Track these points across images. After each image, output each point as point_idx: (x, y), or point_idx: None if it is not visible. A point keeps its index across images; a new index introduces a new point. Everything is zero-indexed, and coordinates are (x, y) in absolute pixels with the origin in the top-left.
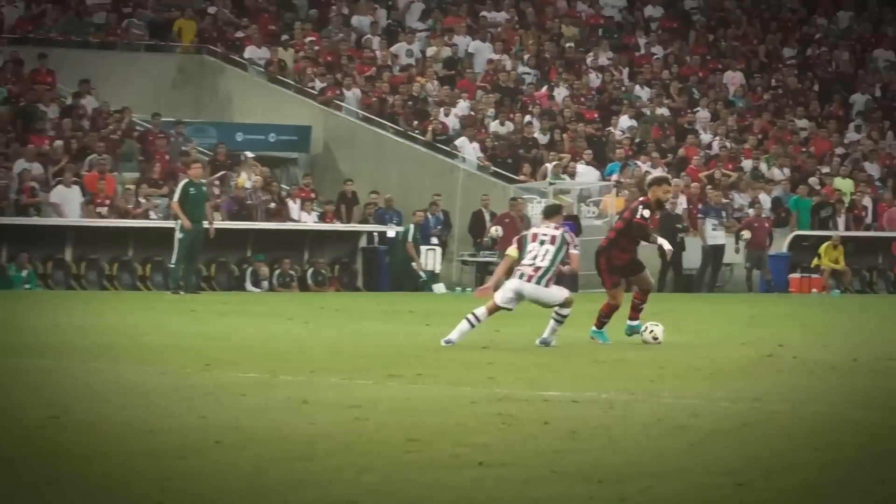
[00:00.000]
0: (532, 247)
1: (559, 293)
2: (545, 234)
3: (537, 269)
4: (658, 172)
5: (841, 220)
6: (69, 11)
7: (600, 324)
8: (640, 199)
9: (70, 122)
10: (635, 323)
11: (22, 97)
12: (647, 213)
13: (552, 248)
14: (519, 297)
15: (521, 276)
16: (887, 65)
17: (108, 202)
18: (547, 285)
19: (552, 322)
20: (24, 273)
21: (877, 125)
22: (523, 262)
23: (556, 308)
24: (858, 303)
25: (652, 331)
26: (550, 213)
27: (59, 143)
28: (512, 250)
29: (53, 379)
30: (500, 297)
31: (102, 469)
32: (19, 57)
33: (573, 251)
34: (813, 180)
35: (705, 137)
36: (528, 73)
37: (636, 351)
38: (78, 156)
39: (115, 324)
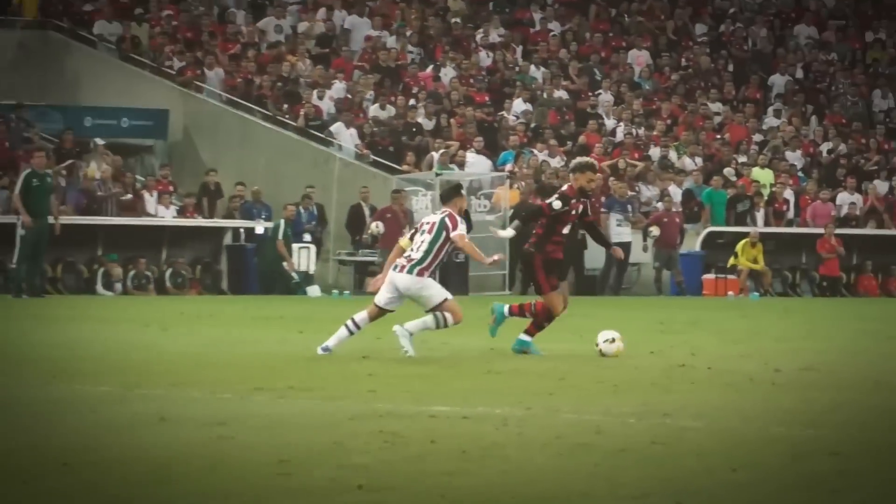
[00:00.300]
0: (416, 238)
1: (438, 295)
2: (427, 222)
3: (410, 259)
4: (583, 158)
5: (760, 215)
6: None
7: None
8: (563, 187)
9: None
10: (528, 339)
11: None
12: (558, 203)
13: (428, 238)
14: (398, 294)
15: (394, 268)
16: (809, 42)
17: None
18: (420, 275)
19: (428, 319)
20: None
21: (798, 109)
22: (405, 253)
23: (436, 311)
24: (780, 307)
25: (612, 339)
26: (447, 196)
27: None
28: (403, 240)
29: None
30: (379, 297)
31: None
32: None
33: (455, 233)
34: (728, 170)
35: (608, 123)
36: (411, 52)
37: (533, 361)
38: None
39: None
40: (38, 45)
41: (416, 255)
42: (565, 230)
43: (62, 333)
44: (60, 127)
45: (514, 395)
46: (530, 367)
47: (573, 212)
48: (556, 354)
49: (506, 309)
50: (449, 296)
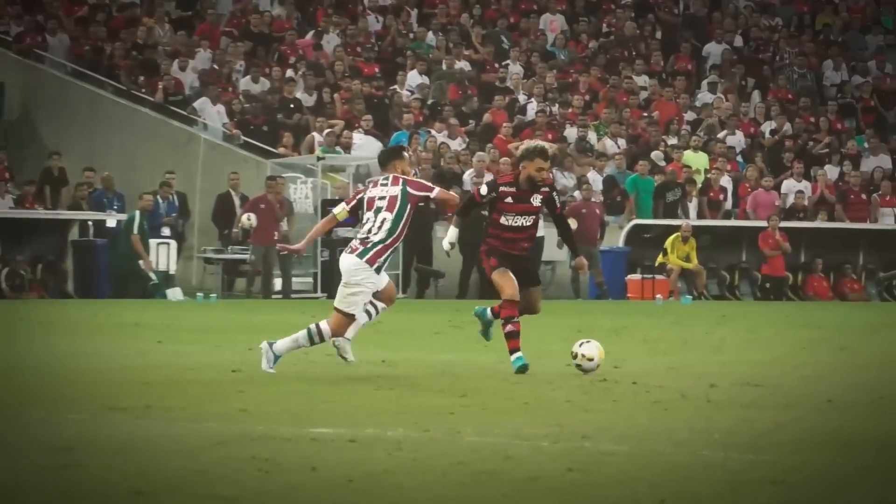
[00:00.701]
0: (367, 216)
1: (355, 303)
2: (381, 198)
3: (366, 241)
4: (533, 143)
5: (692, 206)
6: None
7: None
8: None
9: None
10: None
11: None
12: (484, 189)
13: (390, 216)
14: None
15: (347, 249)
16: (750, 5)
17: None
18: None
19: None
20: None
21: (737, 83)
22: (358, 232)
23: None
24: (716, 312)
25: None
26: (385, 159)
27: None
28: (340, 210)
29: None
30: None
31: None
32: None
33: (436, 192)
34: (656, 154)
35: (518, 99)
36: (282, 17)
37: (432, 376)
38: None
39: None
40: None
41: (378, 236)
42: (504, 221)
43: None
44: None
45: (409, 414)
46: (428, 384)
47: (507, 199)
48: (457, 368)
49: (489, 312)
50: (358, 311)
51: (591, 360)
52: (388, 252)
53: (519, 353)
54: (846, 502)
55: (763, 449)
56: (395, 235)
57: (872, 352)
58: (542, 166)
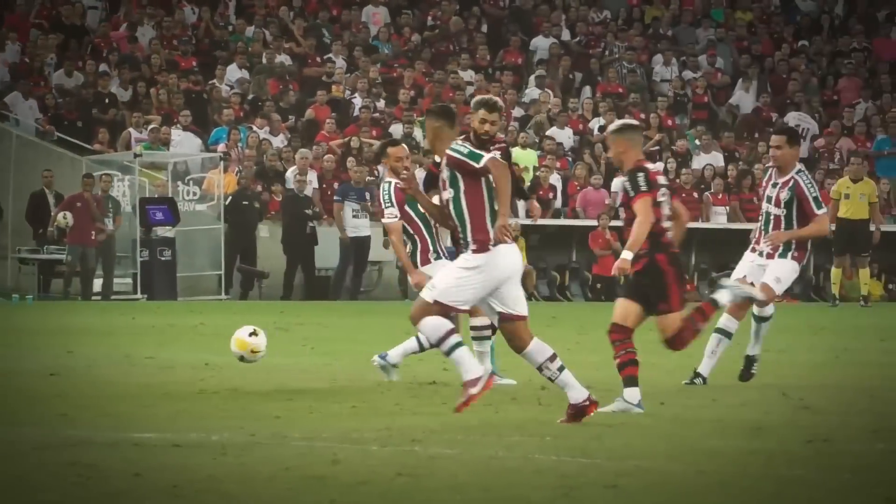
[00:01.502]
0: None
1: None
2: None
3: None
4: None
5: (521, 205)
6: None
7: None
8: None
9: None
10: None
11: None
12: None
13: None
14: None
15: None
16: None
17: None
18: None
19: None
20: None
21: (565, 78)
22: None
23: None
24: (546, 313)
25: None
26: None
27: None
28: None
29: None
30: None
31: None
32: None
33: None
34: None
35: (341, 94)
36: (96, 7)
37: (258, 380)
38: None
39: None
40: None
41: None
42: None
43: None
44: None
45: (234, 419)
46: (252, 386)
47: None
48: (283, 372)
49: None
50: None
51: (257, 352)
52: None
53: None
54: None
55: (594, 452)
56: None
57: (700, 352)
58: (485, 118)
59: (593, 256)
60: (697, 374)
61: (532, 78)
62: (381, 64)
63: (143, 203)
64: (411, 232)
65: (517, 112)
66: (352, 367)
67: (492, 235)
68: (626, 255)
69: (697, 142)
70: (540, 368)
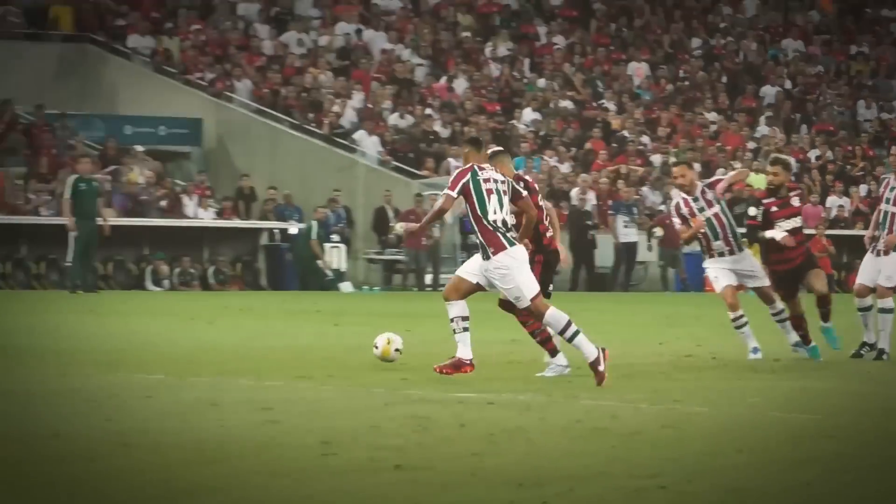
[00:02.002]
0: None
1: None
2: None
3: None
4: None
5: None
6: None
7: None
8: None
9: None
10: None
11: None
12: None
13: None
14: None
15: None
16: (797, 55)
17: None
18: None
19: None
20: None
21: (787, 118)
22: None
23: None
24: None
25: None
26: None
27: None
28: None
29: None
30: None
31: (8, 475)
32: None
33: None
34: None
35: (612, 131)
36: (423, 64)
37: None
38: None
39: (9, 325)
40: (77, 57)
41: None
42: None
43: (117, 326)
44: (102, 135)
45: (536, 382)
46: (531, 357)
47: None
48: (571, 345)
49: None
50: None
51: (376, 347)
52: None
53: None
54: (882, 453)
55: (817, 410)
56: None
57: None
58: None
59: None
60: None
61: (762, 118)
62: (643, 107)
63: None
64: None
65: (750, 145)
66: (623, 344)
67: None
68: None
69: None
70: (560, 333)
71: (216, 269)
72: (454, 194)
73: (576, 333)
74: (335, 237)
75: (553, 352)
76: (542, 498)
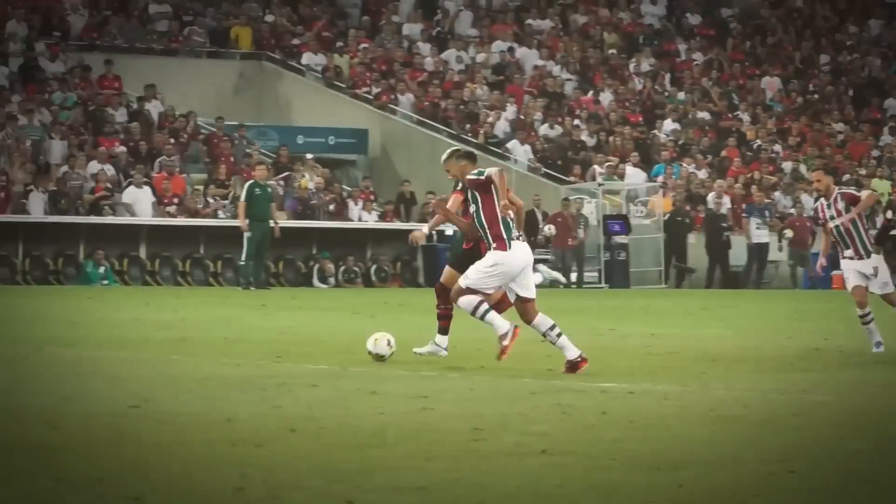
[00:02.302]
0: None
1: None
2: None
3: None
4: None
5: (879, 219)
6: (132, 19)
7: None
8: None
9: (138, 126)
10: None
11: (90, 102)
12: None
13: None
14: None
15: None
16: None
17: (175, 201)
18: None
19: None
20: (101, 269)
21: None
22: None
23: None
24: None
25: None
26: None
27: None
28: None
29: (133, 370)
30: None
31: (184, 456)
32: (86, 63)
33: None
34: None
35: (746, 140)
36: (571, 79)
37: (688, 343)
38: (146, 158)
39: (189, 318)
40: (255, 73)
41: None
42: None
43: (285, 320)
44: (276, 144)
45: (672, 373)
46: (685, 351)
47: None
48: (706, 339)
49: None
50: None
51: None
52: None
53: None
54: None
55: None
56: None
57: None
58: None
59: None
60: None
61: (885, 128)
62: (775, 118)
63: (605, 219)
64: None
65: (875, 153)
66: (755, 338)
67: (506, 238)
68: None
69: None
70: (544, 335)
71: (378, 268)
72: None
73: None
74: None
75: (442, 331)
76: (678, 481)
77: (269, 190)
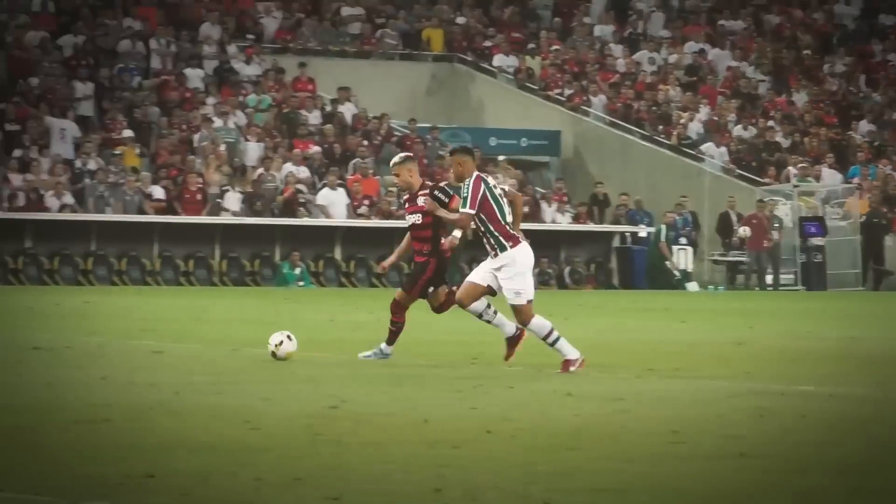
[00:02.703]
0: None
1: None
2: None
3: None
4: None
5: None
6: (325, 22)
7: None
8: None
9: (332, 128)
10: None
11: (285, 104)
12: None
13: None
14: None
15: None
16: None
17: (366, 203)
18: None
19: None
20: (297, 271)
21: None
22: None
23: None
24: None
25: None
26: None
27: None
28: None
29: (330, 372)
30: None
31: (382, 457)
32: (280, 66)
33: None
34: None
35: None
36: (765, 80)
37: (889, 347)
38: (341, 160)
39: (385, 320)
40: (447, 75)
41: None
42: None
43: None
44: (469, 146)
45: (872, 377)
46: (886, 354)
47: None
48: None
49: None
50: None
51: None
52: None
53: None
54: None
55: None
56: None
57: None
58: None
59: None
60: None
61: None
62: None
63: (801, 221)
64: None
65: None
66: None
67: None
68: None
69: None
70: (544, 338)
71: (572, 269)
72: (472, 212)
73: (557, 339)
74: (682, 240)
75: (390, 342)
76: (879, 486)
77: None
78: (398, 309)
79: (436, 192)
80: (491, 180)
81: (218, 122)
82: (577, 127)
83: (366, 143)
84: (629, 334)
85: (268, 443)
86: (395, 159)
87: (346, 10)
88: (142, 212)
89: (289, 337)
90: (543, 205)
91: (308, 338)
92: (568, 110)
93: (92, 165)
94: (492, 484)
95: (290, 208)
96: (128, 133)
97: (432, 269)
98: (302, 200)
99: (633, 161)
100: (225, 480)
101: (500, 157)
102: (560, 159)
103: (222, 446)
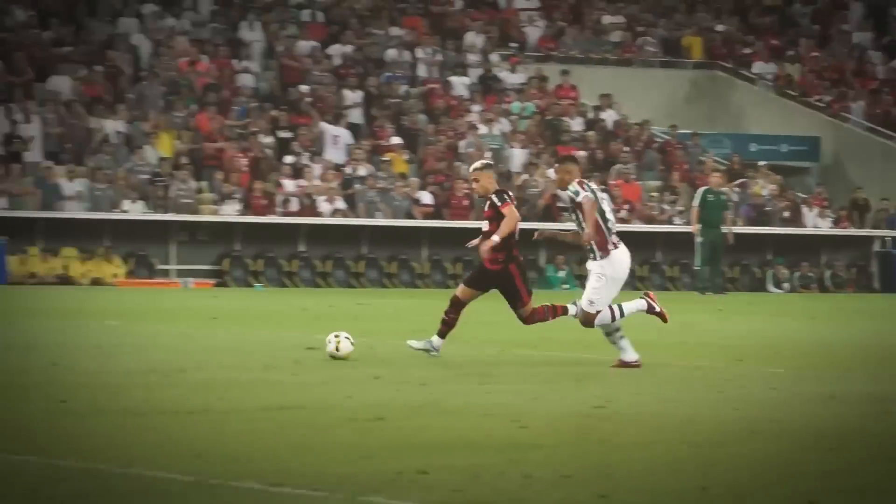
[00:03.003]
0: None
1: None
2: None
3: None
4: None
5: None
6: (586, 31)
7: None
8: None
9: (594, 134)
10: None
11: (547, 111)
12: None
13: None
14: None
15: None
16: None
17: (626, 207)
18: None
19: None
20: (562, 273)
21: None
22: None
23: None
24: None
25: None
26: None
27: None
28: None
29: (597, 371)
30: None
31: (648, 456)
32: (543, 73)
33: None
34: None
35: None
36: None
37: None
38: (603, 165)
39: (653, 322)
40: (707, 82)
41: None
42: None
43: (742, 324)
44: (729, 151)
45: None
46: None
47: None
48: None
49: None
50: None
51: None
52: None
53: None
54: None
55: None
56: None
57: None
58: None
59: None
60: None
61: None
62: None
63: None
64: None
65: None
66: None
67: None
68: None
69: None
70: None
71: (832, 273)
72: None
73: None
74: None
75: (441, 335)
76: None
77: (723, 197)
78: (457, 304)
79: (492, 197)
80: (594, 185)
81: (483, 129)
82: (837, 133)
83: (627, 148)
84: (892, 338)
85: (536, 441)
86: (476, 164)
87: (606, 19)
88: (410, 216)
89: (346, 338)
90: (804, 210)
91: (573, 339)
92: (827, 117)
93: (362, 171)
94: (757, 483)
95: (549, 213)
96: (396, 140)
97: (518, 274)
98: (562, 206)
99: (894, 167)
100: (495, 477)
101: (761, 163)
102: (819, 165)
103: (492, 444)
